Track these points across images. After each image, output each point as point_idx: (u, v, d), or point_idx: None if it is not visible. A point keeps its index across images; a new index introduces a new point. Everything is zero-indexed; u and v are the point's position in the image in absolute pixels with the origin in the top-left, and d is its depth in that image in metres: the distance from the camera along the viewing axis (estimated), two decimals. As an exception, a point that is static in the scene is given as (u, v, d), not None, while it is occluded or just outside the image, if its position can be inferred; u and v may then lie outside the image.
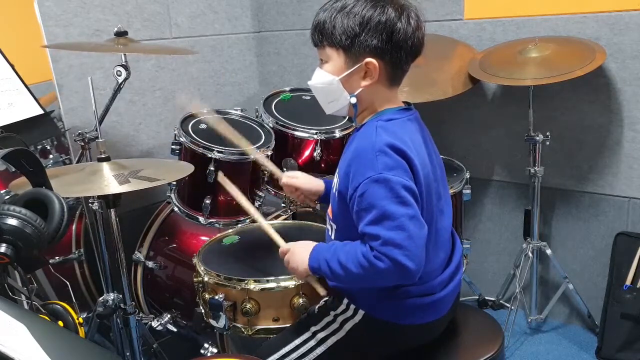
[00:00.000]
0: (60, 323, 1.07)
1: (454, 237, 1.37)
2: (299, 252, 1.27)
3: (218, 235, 1.70)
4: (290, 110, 2.20)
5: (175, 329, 1.98)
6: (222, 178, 1.58)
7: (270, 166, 1.61)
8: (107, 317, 1.71)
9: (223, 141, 1.90)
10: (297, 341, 1.29)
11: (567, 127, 2.19)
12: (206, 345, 1.72)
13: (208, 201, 1.89)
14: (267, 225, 1.44)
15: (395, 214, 1.09)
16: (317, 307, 1.33)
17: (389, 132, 1.16)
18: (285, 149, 2.11)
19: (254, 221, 1.96)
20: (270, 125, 2.10)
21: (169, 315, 1.97)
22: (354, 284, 1.25)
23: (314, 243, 1.27)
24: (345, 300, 1.27)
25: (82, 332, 1.09)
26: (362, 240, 1.16)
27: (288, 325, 1.38)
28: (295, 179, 1.50)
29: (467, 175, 2.13)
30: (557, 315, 2.40)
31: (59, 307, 1.09)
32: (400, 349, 1.30)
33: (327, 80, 1.23)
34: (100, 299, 1.71)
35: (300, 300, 1.36)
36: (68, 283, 1.76)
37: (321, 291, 1.28)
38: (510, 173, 2.39)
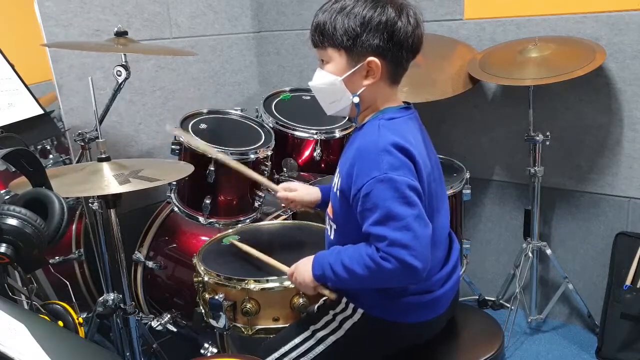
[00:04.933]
0: (60, 323, 1.07)
1: (451, 235, 1.37)
2: (303, 265, 1.27)
3: (218, 235, 1.69)
4: (290, 110, 2.20)
5: (175, 329, 1.98)
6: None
7: (265, 182, 1.61)
8: (107, 317, 1.71)
9: (223, 141, 1.91)
10: (297, 340, 1.29)
11: (567, 127, 2.19)
12: (206, 345, 1.72)
13: (208, 201, 1.89)
14: (266, 257, 1.44)
15: (401, 214, 1.09)
16: (316, 306, 1.34)
17: (392, 131, 1.16)
18: (285, 149, 2.11)
19: (254, 221, 1.96)
20: (270, 125, 2.10)
21: (169, 315, 1.97)
22: (359, 286, 1.24)
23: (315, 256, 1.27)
24: (344, 299, 1.27)
25: (82, 332, 1.09)
26: (367, 241, 1.15)
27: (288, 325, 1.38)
28: (292, 191, 1.49)
29: (467, 175, 2.13)
30: (557, 315, 2.40)
31: (59, 307, 1.09)
32: (400, 347, 1.30)
33: (330, 80, 1.23)
34: (100, 299, 1.71)
35: (300, 300, 1.36)
36: (68, 283, 1.76)
37: (332, 296, 1.27)
38: (510, 173, 2.39)
